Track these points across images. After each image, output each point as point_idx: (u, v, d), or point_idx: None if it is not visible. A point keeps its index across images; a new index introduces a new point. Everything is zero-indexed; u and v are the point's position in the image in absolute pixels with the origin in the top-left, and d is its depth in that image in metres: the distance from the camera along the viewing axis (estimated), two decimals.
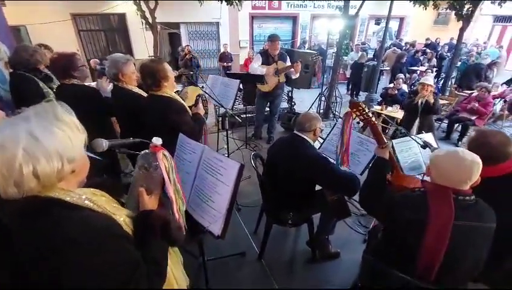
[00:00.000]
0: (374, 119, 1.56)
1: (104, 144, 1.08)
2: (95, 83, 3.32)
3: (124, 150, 1.17)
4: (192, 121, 1.95)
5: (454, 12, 6.53)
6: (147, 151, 0.99)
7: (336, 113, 6.01)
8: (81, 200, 0.75)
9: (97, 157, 1.20)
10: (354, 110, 1.57)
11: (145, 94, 2.16)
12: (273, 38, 3.86)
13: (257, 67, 3.94)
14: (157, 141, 0.99)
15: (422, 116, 3.81)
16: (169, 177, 1.00)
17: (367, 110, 1.54)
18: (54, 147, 0.68)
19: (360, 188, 1.49)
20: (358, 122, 1.70)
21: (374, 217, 2.13)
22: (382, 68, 7.64)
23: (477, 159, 1.17)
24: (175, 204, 1.05)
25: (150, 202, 0.93)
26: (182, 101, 1.97)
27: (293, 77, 4.04)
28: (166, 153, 1.02)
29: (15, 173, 0.64)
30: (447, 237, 1.14)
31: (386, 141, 1.57)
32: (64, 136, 0.71)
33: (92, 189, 0.82)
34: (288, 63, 3.91)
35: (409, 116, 3.98)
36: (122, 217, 0.83)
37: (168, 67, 1.89)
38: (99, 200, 0.80)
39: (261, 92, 4.19)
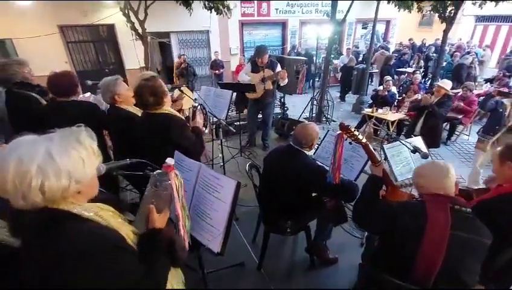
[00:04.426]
0: (364, 140, 1.63)
1: (101, 168, 1.08)
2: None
3: (121, 172, 1.18)
4: (194, 136, 1.95)
5: (437, 14, 6.73)
6: (159, 171, 1.04)
7: (328, 116, 6.10)
8: (88, 214, 0.81)
9: (102, 190, 1.22)
10: (344, 132, 1.64)
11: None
12: (259, 54, 3.87)
13: (244, 75, 4.01)
14: (170, 161, 1.05)
15: (426, 118, 3.96)
16: (178, 194, 1.05)
17: (356, 133, 1.61)
18: (65, 166, 0.74)
19: (353, 206, 1.54)
20: (349, 143, 1.76)
21: (367, 231, 2.18)
22: (371, 71, 7.80)
23: (449, 165, 1.37)
24: (181, 220, 1.09)
25: (159, 220, 0.96)
26: (182, 117, 1.97)
27: (281, 84, 4.10)
28: (178, 172, 1.08)
29: (24, 186, 0.69)
30: (444, 244, 1.18)
31: (379, 159, 1.64)
32: (79, 158, 0.77)
33: (98, 203, 0.87)
34: (279, 70, 3.97)
35: (415, 117, 4.26)
36: (126, 232, 0.87)
37: (162, 83, 1.90)
38: (105, 215, 0.85)
39: (251, 99, 4.23)
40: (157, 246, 0.89)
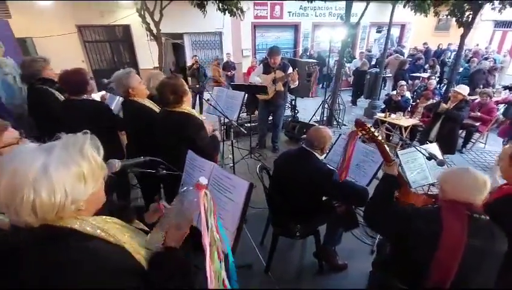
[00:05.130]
0: (380, 137, 1.57)
1: (116, 164, 1.11)
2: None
3: (135, 169, 1.20)
4: (209, 138, 1.97)
5: (454, 19, 6.57)
6: (190, 188, 0.96)
7: (339, 120, 6.04)
8: (93, 230, 0.74)
9: (111, 174, 1.22)
10: (360, 129, 1.59)
11: (156, 106, 2.19)
12: (271, 54, 3.90)
13: (255, 77, 4.03)
14: (203, 180, 0.96)
15: (443, 123, 3.88)
16: (206, 222, 0.93)
17: (373, 130, 1.56)
18: (62, 183, 0.67)
19: (366, 205, 1.50)
20: (363, 141, 1.71)
21: (379, 233, 2.13)
22: (384, 75, 7.68)
23: (487, 177, 1.23)
24: (208, 259, 0.91)
25: (176, 238, 0.89)
26: (200, 117, 2.00)
27: (292, 86, 4.08)
28: (208, 193, 0.97)
29: (17, 200, 0.64)
30: (460, 253, 1.14)
31: (392, 158, 1.58)
32: (79, 174, 0.70)
33: (103, 217, 0.81)
34: (290, 71, 3.96)
35: (431, 121, 4.16)
36: (135, 247, 0.81)
37: (184, 82, 1.92)
38: (111, 229, 0.79)
39: (262, 101, 4.23)
40: (167, 271, 0.82)
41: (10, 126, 1.24)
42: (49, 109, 2.29)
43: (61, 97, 2.41)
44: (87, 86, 2.21)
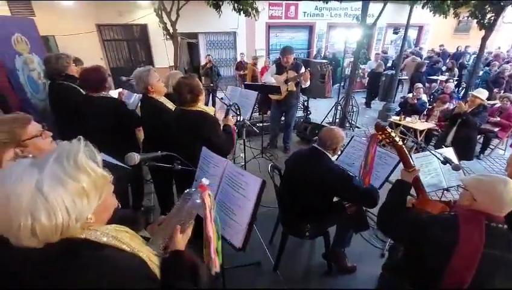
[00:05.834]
0: (400, 142, 1.55)
1: (136, 157, 1.16)
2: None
3: (152, 163, 1.25)
4: (224, 134, 2.01)
5: (475, 21, 6.37)
6: (194, 189, 1.01)
7: (352, 122, 5.97)
8: (107, 238, 0.72)
9: (126, 166, 1.27)
10: (380, 133, 1.57)
11: (171, 105, 2.25)
12: (284, 53, 3.92)
13: (269, 77, 4.06)
14: (205, 181, 1.04)
15: (459, 128, 3.80)
16: (210, 215, 1.04)
17: (394, 134, 1.53)
18: (61, 202, 0.62)
19: (379, 211, 1.49)
20: (383, 145, 1.66)
21: (391, 239, 2.10)
22: (400, 77, 7.52)
23: None
24: (213, 243, 1.06)
25: (181, 241, 0.91)
26: (213, 114, 2.04)
27: (303, 86, 4.09)
28: (211, 193, 1.06)
29: (13, 229, 0.60)
30: (475, 263, 1.12)
31: (413, 164, 1.55)
32: (79, 189, 0.65)
33: (114, 225, 0.79)
34: (303, 71, 3.97)
35: (447, 126, 4.07)
36: (147, 254, 0.80)
37: (199, 81, 1.98)
38: (123, 237, 0.77)
39: (274, 101, 4.25)
40: (181, 273, 0.84)
41: (33, 119, 1.29)
42: (72, 104, 2.38)
43: (83, 93, 2.51)
44: (105, 83, 2.28)
